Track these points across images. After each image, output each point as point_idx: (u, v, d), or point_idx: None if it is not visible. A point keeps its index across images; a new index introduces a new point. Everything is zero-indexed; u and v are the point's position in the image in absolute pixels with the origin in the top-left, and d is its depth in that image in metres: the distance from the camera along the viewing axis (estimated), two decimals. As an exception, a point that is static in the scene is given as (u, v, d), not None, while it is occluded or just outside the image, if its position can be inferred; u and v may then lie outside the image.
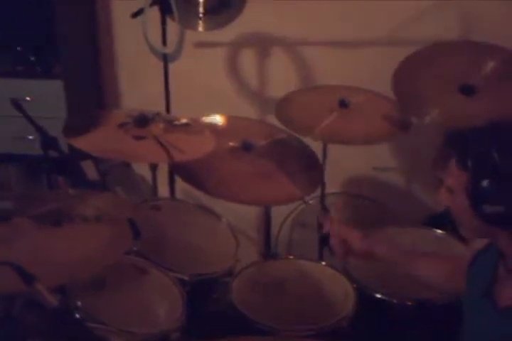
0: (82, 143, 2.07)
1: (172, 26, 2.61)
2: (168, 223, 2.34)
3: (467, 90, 2.28)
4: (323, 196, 2.60)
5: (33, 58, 2.87)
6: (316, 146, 2.47)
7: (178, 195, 2.78)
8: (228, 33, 2.83)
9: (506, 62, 2.30)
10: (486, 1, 2.61)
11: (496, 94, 2.25)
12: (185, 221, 2.39)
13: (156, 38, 2.61)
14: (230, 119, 2.51)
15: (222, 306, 2.11)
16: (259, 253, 2.74)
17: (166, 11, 2.55)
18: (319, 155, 2.47)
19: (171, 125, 2.26)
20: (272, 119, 2.52)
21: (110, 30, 3.05)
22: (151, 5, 2.52)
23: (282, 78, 2.95)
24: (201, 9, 2.57)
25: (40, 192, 2.36)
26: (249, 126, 2.54)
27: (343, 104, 2.40)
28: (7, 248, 1.54)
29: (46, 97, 2.85)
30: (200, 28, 2.60)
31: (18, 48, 2.88)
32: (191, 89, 2.97)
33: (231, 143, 2.38)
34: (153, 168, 2.56)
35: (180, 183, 2.51)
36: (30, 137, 2.76)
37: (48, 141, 1.99)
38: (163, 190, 2.73)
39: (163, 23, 2.58)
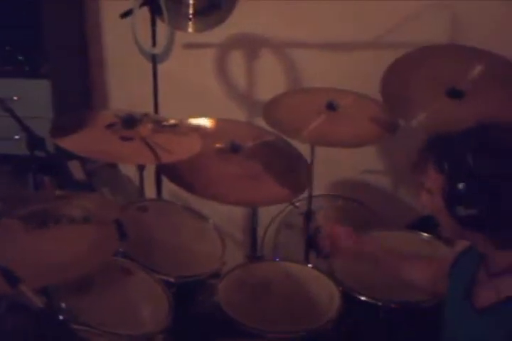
0: (68, 143, 2.06)
1: (161, 27, 2.60)
2: (154, 224, 2.33)
3: (455, 94, 2.29)
4: (310, 198, 2.60)
5: (21, 58, 2.86)
6: (303, 148, 2.47)
7: (165, 196, 2.77)
8: (218, 35, 2.83)
9: (493, 66, 2.31)
10: (476, 5, 2.62)
11: (483, 98, 2.26)
12: (172, 222, 2.38)
13: (145, 39, 2.60)
14: (218, 121, 2.51)
15: (208, 308, 2.10)
16: (246, 254, 2.74)
17: (155, 11, 2.54)
18: (307, 157, 2.47)
19: (159, 126, 2.26)
20: (260, 121, 2.53)
21: (99, 30, 3.04)
22: (141, 6, 2.52)
23: (271, 80, 2.96)
24: (191, 10, 2.57)
25: (26, 193, 2.35)
26: (237, 128, 2.55)
27: (331, 107, 2.41)
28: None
29: (33, 97, 2.84)
30: (190, 29, 2.60)
31: (7, 48, 2.86)
32: (180, 90, 2.97)
33: (219, 145, 2.38)
34: (141, 168, 2.55)
35: (167, 184, 2.50)
36: (17, 137, 2.74)
37: (34, 141, 1.98)
38: (150, 191, 2.72)
39: (153, 24, 2.57)
